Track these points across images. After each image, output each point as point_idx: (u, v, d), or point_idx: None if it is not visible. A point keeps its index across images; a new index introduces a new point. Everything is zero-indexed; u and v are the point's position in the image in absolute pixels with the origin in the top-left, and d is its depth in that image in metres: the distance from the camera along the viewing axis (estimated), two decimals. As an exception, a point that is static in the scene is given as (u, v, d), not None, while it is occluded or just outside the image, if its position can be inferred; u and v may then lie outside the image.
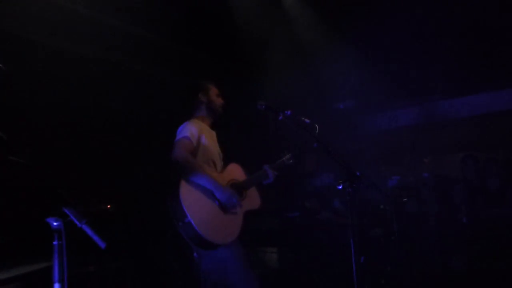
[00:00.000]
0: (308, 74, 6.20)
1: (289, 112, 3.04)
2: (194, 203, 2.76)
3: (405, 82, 6.46)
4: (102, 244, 1.71)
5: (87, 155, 4.03)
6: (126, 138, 4.47)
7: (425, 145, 6.48)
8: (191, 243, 2.80)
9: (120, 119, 4.46)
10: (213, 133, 3.30)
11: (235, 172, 3.20)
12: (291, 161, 3.42)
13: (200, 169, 2.86)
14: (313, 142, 3.04)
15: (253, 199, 3.19)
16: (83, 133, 4.06)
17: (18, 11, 3.66)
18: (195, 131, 3.03)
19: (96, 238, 1.72)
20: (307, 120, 3.06)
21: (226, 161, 3.30)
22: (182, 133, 3.01)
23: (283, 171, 3.41)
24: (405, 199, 4.87)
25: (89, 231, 1.71)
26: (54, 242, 1.71)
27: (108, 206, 3.91)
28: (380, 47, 5.83)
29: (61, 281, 1.69)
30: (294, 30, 5.68)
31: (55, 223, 1.70)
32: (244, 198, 3.08)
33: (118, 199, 3.98)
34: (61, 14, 3.94)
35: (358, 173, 2.81)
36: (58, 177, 1.98)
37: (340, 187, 2.83)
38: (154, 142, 4.67)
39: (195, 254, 2.91)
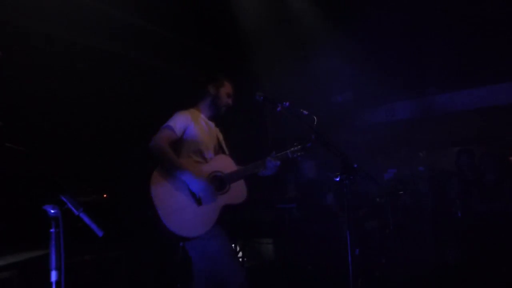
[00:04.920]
0: (306, 66, 6.19)
1: (287, 103, 3.03)
2: (163, 194, 2.74)
3: (402, 76, 6.45)
4: (99, 232, 1.71)
5: (83, 145, 4.02)
6: (122, 128, 4.45)
7: (421, 138, 6.51)
8: (162, 234, 2.75)
9: (116, 109, 4.44)
10: (211, 125, 3.21)
11: (222, 163, 3.08)
12: (299, 154, 3.16)
13: (173, 160, 2.81)
14: (311, 133, 3.05)
15: (236, 193, 3.03)
16: (79, 122, 4.04)
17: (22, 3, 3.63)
18: (182, 122, 2.97)
19: (93, 226, 1.72)
20: (305, 112, 3.04)
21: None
22: (167, 122, 2.97)
23: (287, 163, 3.23)
24: (401, 192, 4.89)
25: (86, 219, 1.71)
26: (51, 230, 1.70)
27: (104, 195, 3.91)
28: (377, 40, 5.82)
29: (58, 269, 1.68)
30: (292, 21, 5.65)
31: (52, 211, 1.70)
32: (225, 192, 2.96)
33: (114, 189, 3.97)
34: (62, 3, 3.90)
35: (355, 165, 2.82)
36: (54, 166, 1.98)
37: (338, 179, 2.84)
38: (151, 132, 4.67)
39: (180, 243, 2.89)
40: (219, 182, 2.96)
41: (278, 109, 3.05)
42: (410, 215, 5.17)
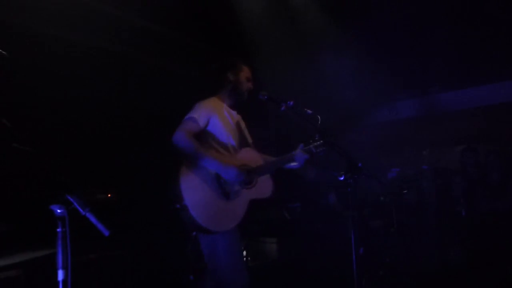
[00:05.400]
0: (309, 66, 6.18)
1: (291, 102, 3.02)
2: (193, 187, 2.68)
3: (406, 74, 6.44)
4: (105, 232, 1.72)
5: (88, 145, 4.03)
6: (126, 128, 4.47)
7: (425, 137, 6.49)
8: (188, 226, 2.72)
9: (121, 109, 4.45)
10: (233, 114, 3.14)
11: (249, 156, 3.03)
12: (322, 149, 3.12)
13: (200, 151, 2.72)
14: (315, 133, 3.05)
15: (263, 188, 3.01)
16: (83, 122, 4.06)
17: (23, 3, 3.65)
18: (205, 112, 2.90)
19: (99, 226, 1.73)
20: (309, 111, 3.04)
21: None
22: (190, 113, 2.89)
23: (312, 158, 3.17)
24: (405, 191, 4.88)
25: (92, 219, 1.72)
26: (58, 229, 1.71)
27: (109, 195, 3.92)
28: (380, 38, 5.81)
29: (64, 268, 1.70)
30: (295, 20, 5.65)
31: (58, 210, 1.71)
32: (253, 185, 2.93)
33: (119, 188, 3.99)
34: (66, 4, 3.91)
35: (360, 164, 2.82)
36: (60, 166, 1.99)
37: (342, 178, 2.83)
38: (155, 131, 4.69)
39: (193, 233, 2.86)
40: (246, 176, 2.90)
41: (282, 108, 3.04)
42: (414, 214, 5.16)
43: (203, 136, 2.89)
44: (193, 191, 2.67)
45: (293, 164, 3.13)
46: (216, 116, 2.95)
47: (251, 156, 3.05)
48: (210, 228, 2.67)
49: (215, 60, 3.27)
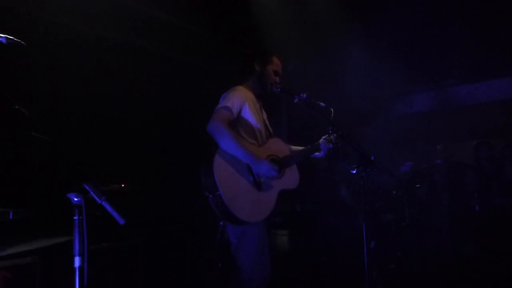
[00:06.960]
0: (323, 58, 6.15)
1: (304, 95, 3.01)
2: (227, 177, 2.66)
3: (421, 67, 6.38)
4: (121, 221, 1.74)
5: (103, 136, 4.07)
6: (140, 119, 4.50)
7: (439, 131, 6.43)
8: (220, 216, 2.72)
9: (136, 100, 4.48)
10: (260, 104, 3.12)
11: (276, 147, 3.01)
12: (339, 141, 3.13)
13: (236, 142, 2.69)
14: (328, 126, 3.05)
15: (291, 178, 3.00)
16: (99, 113, 4.10)
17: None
18: (238, 101, 2.86)
19: (115, 214, 1.75)
20: (322, 104, 3.04)
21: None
22: (223, 102, 2.85)
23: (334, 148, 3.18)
24: (418, 185, 4.85)
25: (108, 208, 1.74)
26: (75, 217, 1.74)
27: (122, 185, 3.95)
28: (396, 31, 5.75)
29: (81, 255, 1.73)
30: (308, 12, 5.61)
31: (75, 199, 1.73)
32: (281, 176, 2.91)
33: (132, 179, 4.02)
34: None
35: (372, 158, 2.82)
36: (76, 156, 2.02)
37: (354, 171, 2.83)
38: (169, 121, 4.72)
39: (221, 222, 2.84)
40: (278, 170, 2.88)
41: (295, 100, 3.04)
42: (426, 208, 5.13)
43: (233, 125, 2.85)
44: (227, 180, 2.66)
45: (318, 153, 3.15)
46: (247, 105, 2.92)
47: (278, 147, 3.04)
48: (243, 219, 2.66)
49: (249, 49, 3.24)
